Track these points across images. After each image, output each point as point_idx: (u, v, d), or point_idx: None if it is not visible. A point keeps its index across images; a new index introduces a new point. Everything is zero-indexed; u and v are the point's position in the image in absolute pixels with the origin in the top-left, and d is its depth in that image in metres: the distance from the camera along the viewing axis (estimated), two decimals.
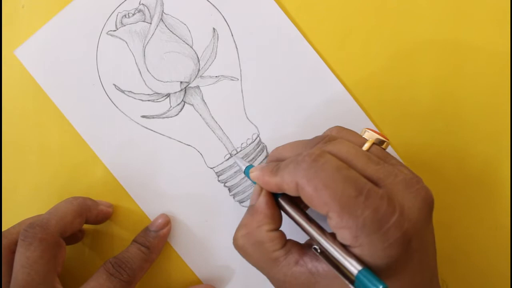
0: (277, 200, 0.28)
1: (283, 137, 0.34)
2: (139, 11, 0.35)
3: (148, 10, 0.35)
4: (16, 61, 0.35)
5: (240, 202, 0.35)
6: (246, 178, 0.34)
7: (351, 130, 0.28)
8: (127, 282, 0.30)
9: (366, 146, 0.26)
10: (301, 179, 0.24)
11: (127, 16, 0.35)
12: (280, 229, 0.28)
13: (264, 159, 0.35)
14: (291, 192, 0.25)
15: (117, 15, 0.35)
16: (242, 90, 0.35)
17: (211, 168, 0.35)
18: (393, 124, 0.34)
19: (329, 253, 0.24)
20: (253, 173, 0.28)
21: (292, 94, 0.35)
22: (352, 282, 0.23)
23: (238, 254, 0.34)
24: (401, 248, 0.23)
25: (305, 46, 0.35)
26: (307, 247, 0.27)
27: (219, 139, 0.35)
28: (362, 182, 0.24)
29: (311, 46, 0.34)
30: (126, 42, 0.35)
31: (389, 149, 0.34)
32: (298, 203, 0.27)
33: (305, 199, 0.24)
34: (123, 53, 0.35)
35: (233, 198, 0.35)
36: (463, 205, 0.34)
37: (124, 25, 0.35)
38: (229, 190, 0.35)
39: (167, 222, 0.34)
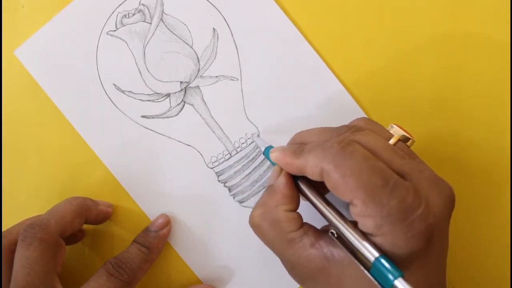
0: (296, 183, 0.28)
1: (283, 137, 0.34)
2: (139, 11, 0.35)
3: (148, 10, 0.35)
4: (16, 61, 0.35)
5: (240, 202, 0.35)
6: (246, 178, 0.34)
7: (378, 123, 0.28)
8: (127, 283, 0.30)
9: (392, 141, 0.26)
10: (328, 164, 0.24)
11: (127, 16, 0.35)
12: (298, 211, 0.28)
13: (264, 159, 0.35)
14: (314, 176, 0.25)
15: (117, 15, 0.35)
16: (242, 90, 0.35)
17: (211, 168, 0.35)
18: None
19: (346, 238, 0.24)
20: (274, 154, 0.28)
21: (292, 94, 0.35)
22: (368, 268, 0.23)
23: (238, 254, 0.34)
24: (423, 240, 0.23)
25: (305, 46, 0.35)
26: (324, 232, 0.26)
27: (219, 139, 0.35)
28: (389, 173, 0.24)
29: (311, 46, 0.34)
30: (126, 42, 0.35)
31: None
32: (317, 188, 0.27)
33: (329, 185, 0.24)
34: (123, 53, 0.35)
35: (233, 198, 0.35)
36: (462, 204, 0.34)
37: (124, 25, 0.35)
38: (229, 190, 0.35)
39: (167, 222, 0.34)
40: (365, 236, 0.24)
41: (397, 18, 0.35)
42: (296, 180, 0.28)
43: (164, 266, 0.34)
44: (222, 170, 0.35)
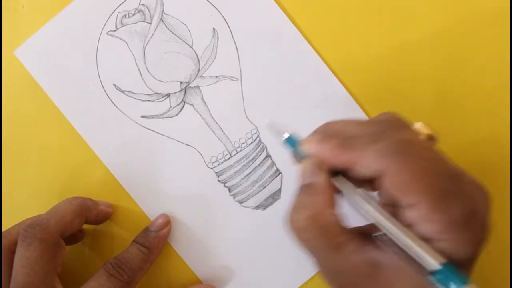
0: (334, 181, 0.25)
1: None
2: (139, 11, 0.35)
3: (148, 10, 0.35)
4: (16, 61, 0.35)
5: (240, 202, 0.35)
6: (246, 178, 0.34)
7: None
8: (127, 283, 0.30)
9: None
10: (395, 162, 0.22)
11: (127, 16, 0.35)
12: None
13: (264, 159, 0.35)
14: (366, 172, 0.23)
15: (117, 15, 0.35)
16: (242, 90, 0.35)
17: (211, 168, 0.35)
18: None
19: (402, 242, 0.23)
20: (311, 145, 0.25)
21: (292, 94, 0.35)
22: (427, 274, 0.22)
23: (238, 254, 0.34)
24: (480, 247, 0.23)
25: (305, 46, 0.35)
26: (367, 235, 0.25)
27: (219, 139, 0.35)
28: (454, 177, 0.23)
29: (311, 46, 0.34)
30: (126, 42, 0.35)
31: None
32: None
33: (389, 185, 0.23)
34: (123, 53, 0.35)
35: (233, 198, 0.35)
36: None
37: (124, 25, 0.35)
38: (229, 190, 0.35)
39: (167, 222, 0.34)
40: (424, 240, 0.22)
41: (397, 18, 0.35)
42: (335, 178, 0.25)
43: (164, 266, 0.34)
44: (222, 170, 0.35)
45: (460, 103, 0.34)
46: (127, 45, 0.35)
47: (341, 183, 0.25)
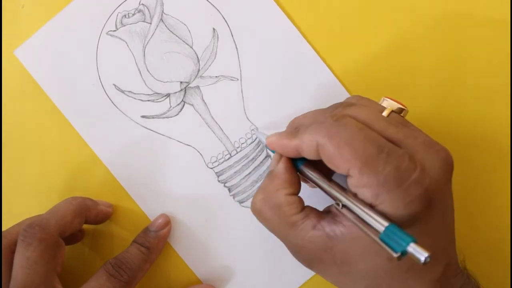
0: (299, 168, 0.28)
1: None
2: (139, 11, 0.35)
3: (148, 10, 0.35)
4: (16, 61, 0.35)
5: (240, 202, 0.35)
6: (246, 178, 0.34)
7: (369, 99, 0.28)
8: (127, 283, 0.30)
9: (385, 113, 0.26)
10: (323, 137, 0.24)
11: (127, 16, 0.35)
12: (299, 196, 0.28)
13: (264, 159, 0.35)
14: (310, 154, 0.25)
15: (117, 15, 0.35)
16: (242, 90, 0.35)
17: (211, 168, 0.35)
18: None
19: (352, 211, 0.24)
20: (270, 138, 0.28)
21: (292, 94, 0.35)
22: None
23: (238, 254, 0.34)
24: (422, 204, 0.23)
25: (305, 46, 0.35)
26: (325, 213, 0.27)
27: (219, 139, 0.35)
28: (382, 141, 0.24)
29: (311, 46, 0.34)
30: (126, 42, 0.35)
31: None
32: (321, 171, 0.27)
33: (325, 158, 0.25)
34: (123, 53, 0.35)
35: (233, 198, 0.35)
36: (462, 205, 0.34)
37: (124, 25, 0.35)
38: (229, 190, 0.35)
39: (167, 222, 0.34)
40: (371, 207, 0.24)
41: (396, 18, 0.35)
42: (299, 166, 0.28)
43: (164, 266, 0.35)
44: (222, 170, 0.35)
45: (460, 103, 0.34)
46: (127, 45, 0.35)
47: (304, 169, 0.28)
